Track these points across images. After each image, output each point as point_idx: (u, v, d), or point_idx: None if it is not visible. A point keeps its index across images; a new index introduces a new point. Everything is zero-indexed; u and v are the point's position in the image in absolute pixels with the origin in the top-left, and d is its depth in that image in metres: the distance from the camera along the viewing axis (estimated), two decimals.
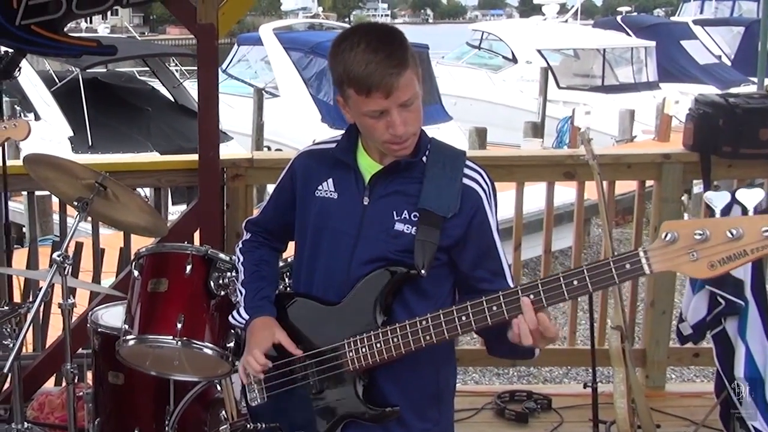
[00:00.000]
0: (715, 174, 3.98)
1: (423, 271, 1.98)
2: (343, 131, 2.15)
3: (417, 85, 1.95)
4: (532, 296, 1.85)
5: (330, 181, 2.10)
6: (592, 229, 10.02)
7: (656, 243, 1.73)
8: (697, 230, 1.68)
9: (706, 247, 1.68)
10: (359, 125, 2.03)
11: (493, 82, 18.05)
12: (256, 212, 2.35)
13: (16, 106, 11.91)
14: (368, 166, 2.08)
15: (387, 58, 1.89)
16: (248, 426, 2.22)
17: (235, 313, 2.25)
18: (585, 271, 1.80)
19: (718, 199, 3.03)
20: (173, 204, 6.20)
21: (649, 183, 4.15)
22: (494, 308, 1.89)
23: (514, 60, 18.30)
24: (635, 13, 24.41)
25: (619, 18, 21.72)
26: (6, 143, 3.34)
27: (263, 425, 2.18)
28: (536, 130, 15.11)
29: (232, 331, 2.52)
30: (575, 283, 1.82)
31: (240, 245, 2.34)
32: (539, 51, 17.78)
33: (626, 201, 8.13)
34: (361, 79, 1.90)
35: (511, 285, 2.08)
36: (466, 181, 2.04)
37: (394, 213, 2.02)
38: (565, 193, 4.78)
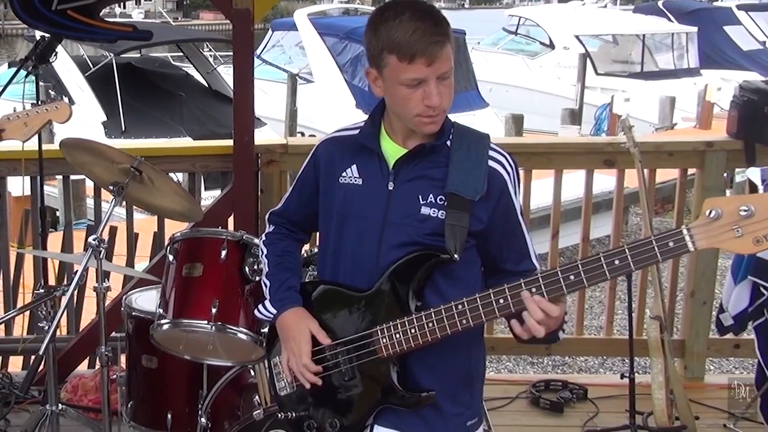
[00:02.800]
0: (759, 162, 3.93)
1: (456, 256, 1.96)
2: None
3: (452, 62, 1.96)
4: (572, 276, 1.82)
5: (354, 167, 2.08)
6: (630, 217, 9.91)
7: (700, 220, 1.72)
8: (742, 206, 1.68)
9: (751, 223, 1.67)
10: (391, 99, 2.01)
11: (529, 68, 17.88)
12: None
13: (50, 90, 12.04)
14: (392, 150, 2.06)
15: (433, 26, 1.91)
16: (279, 416, 2.20)
17: (261, 306, 2.23)
18: (627, 250, 1.78)
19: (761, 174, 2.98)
20: (205, 189, 6.23)
21: (690, 171, 4.07)
22: (533, 290, 1.86)
23: (551, 46, 18.12)
24: None
25: (660, 3, 21.33)
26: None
27: (293, 414, 2.16)
28: (574, 116, 14.96)
29: None
30: (617, 262, 1.79)
31: (263, 237, 2.31)
32: (577, 37, 17.57)
33: (666, 189, 8.03)
34: (406, 45, 1.90)
35: (536, 264, 2.08)
36: (491, 163, 2.02)
37: (420, 197, 2.01)
38: (603, 180, 4.72)
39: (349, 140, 2.11)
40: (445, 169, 2.00)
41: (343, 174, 2.09)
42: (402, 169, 2.03)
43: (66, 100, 12.59)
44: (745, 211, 1.67)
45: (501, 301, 1.89)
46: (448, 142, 2.04)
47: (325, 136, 2.22)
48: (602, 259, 1.80)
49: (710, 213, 1.70)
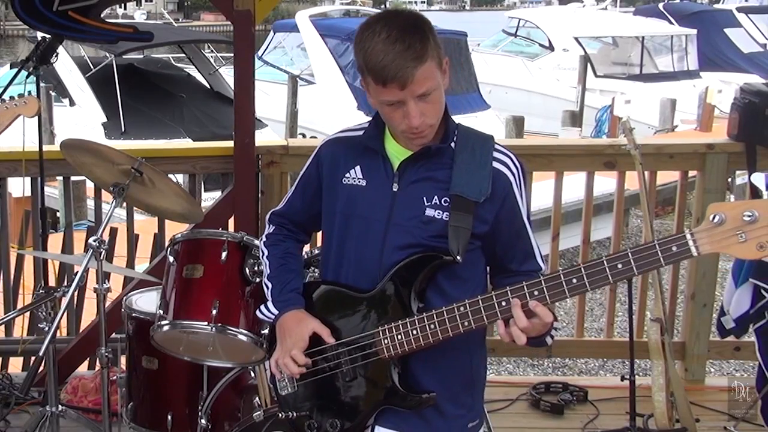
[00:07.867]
0: (760, 164, 3.91)
1: (459, 258, 1.96)
2: None
3: (438, 77, 1.92)
4: (575, 280, 1.82)
5: (358, 168, 2.08)
6: (631, 219, 9.90)
7: (703, 225, 1.71)
8: (745, 212, 1.68)
9: (754, 228, 1.67)
10: (379, 111, 2.02)
11: (529, 70, 17.90)
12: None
13: (51, 91, 12.04)
14: (396, 152, 2.06)
15: (405, 51, 1.87)
16: (280, 415, 2.20)
17: (263, 307, 2.22)
18: (630, 254, 1.78)
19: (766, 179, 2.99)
20: (206, 191, 6.23)
21: (691, 173, 4.07)
22: (536, 293, 1.86)
23: (551, 48, 18.13)
24: (677, 0, 23.97)
25: (660, 5, 21.36)
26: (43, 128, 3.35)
27: (294, 414, 2.15)
28: (574, 119, 14.96)
29: None
30: (620, 266, 1.79)
31: (264, 238, 2.30)
32: (576, 39, 17.59)
33: (666, 192, 8.04)
34: (377, 70, 1.89)
35: (542, 264, 2.08)
36: (495, 164, 2.02)
37: (425, 199, 2.01)
38: (603, 182, 4.72)
39: (353, 141, 2.11)
40: (449, 171, 2.00)
41: (347, 175, 2.08)
42: (407, 171, 2.03)
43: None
44: (749, 216, 1.67)
45: (503, 303, 1.89)
46: (453, 144, 2.04)
47: (327, 136, 2.21)
48: (605, 263, 1.80)
49: (714, 218, 1.69)
